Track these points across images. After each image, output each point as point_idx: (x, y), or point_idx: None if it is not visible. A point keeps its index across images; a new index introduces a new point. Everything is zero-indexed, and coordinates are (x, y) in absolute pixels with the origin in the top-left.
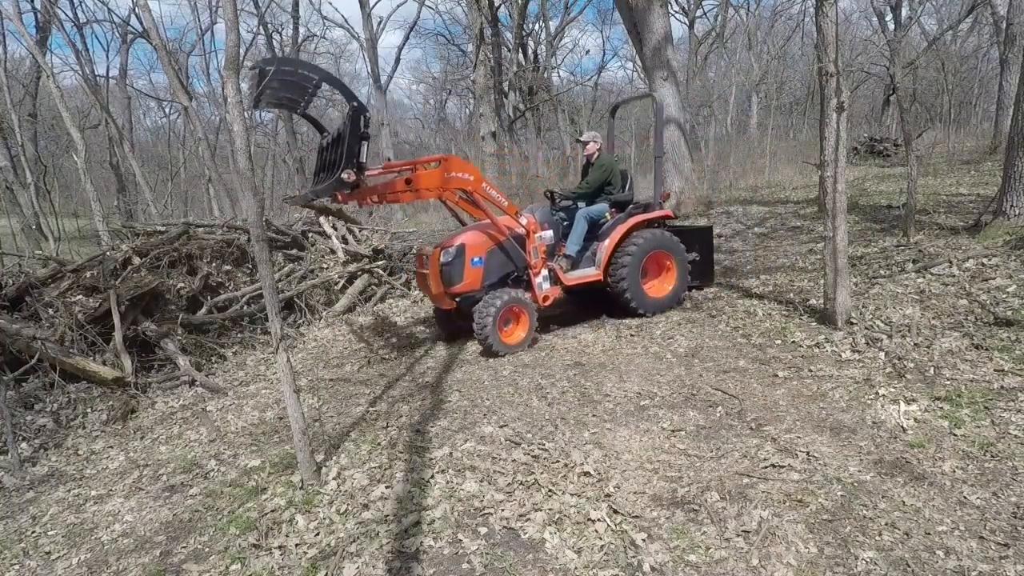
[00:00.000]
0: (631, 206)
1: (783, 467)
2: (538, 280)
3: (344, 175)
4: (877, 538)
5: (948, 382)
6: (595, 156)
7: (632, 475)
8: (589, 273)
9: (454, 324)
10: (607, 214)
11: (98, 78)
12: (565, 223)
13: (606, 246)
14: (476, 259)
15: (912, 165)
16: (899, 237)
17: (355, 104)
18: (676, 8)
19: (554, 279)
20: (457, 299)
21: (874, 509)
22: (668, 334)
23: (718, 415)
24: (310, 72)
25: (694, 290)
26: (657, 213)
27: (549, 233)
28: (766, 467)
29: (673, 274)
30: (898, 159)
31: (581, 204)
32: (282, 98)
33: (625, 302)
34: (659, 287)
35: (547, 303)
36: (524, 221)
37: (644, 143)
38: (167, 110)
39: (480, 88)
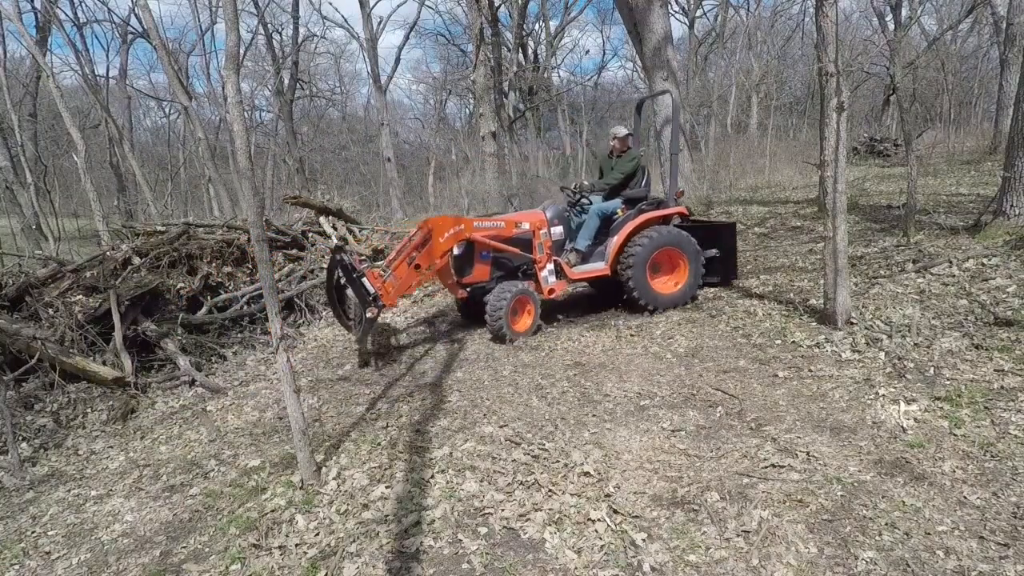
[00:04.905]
0: (643, 202)
1: (783, 467)
2: (543, 274)
3: (369, 314)
4: (877, 538)
5: (948, 382)
6: (624, 149)
7: (632, 475)
8: (596, 268)
9: (470, 311)
10: (619, 210)
11: (98, 78)
12: (584, 216)
13: (615, 241)
14: (484, 253)
15: (912, 165)
16: (899, 237)
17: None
18: (676, 8)
19: (560, 273)
20: (468, 289)
21: (874, 509)
22: (668, 334)
23: (718, 415)
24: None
25: (715, 287)
26: (670, 210)
27: (558, 229)
28: (766, 467)
29: (684, 271)
30: (898, 159)
31: (596, 200)
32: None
33: (631, 295)
34: (669, 283)
35: (552, 295)
36: (526, 225)
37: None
38: (167, 110)
39: (480, 88)
